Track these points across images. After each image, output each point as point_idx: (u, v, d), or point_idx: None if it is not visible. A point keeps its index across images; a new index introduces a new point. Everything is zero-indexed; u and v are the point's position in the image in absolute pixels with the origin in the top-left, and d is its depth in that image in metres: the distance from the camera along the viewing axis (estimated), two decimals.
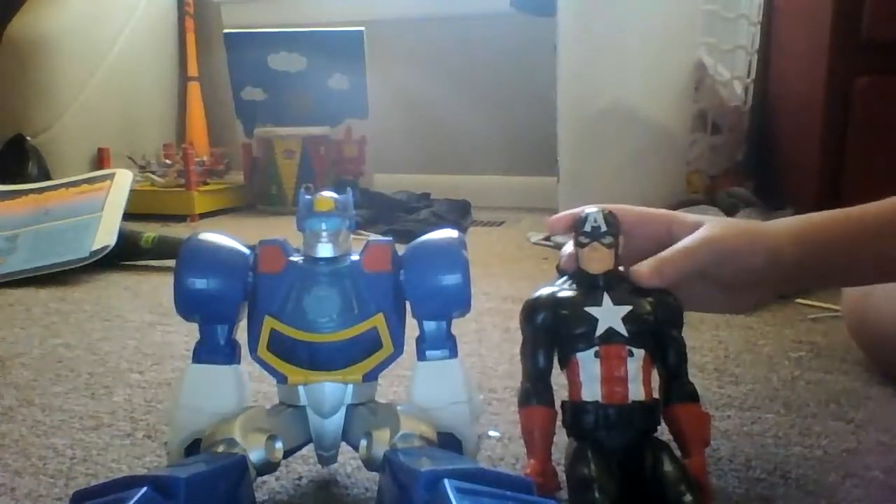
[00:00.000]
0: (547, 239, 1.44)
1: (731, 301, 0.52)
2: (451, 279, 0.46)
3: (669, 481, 0.41)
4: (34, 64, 1.88)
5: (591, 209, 0.48)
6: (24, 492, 0.49)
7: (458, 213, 1.74)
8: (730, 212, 1.24)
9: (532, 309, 0.47)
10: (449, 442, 0.44)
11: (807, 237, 0.50)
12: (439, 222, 1.54)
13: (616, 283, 0.47)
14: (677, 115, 1.44)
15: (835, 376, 0.70)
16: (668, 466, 0.42)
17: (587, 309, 0.45)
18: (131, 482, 0.36)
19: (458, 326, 0.47)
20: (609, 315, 0.45)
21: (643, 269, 0.47)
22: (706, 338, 0.82)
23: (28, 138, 1.85)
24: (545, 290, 0.47)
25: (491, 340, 0.82)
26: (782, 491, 0.48)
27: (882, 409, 0.62)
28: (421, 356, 0.46)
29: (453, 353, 0.46)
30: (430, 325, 0.46)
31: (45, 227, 1.28)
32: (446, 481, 0.35)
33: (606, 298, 0.46)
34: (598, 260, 0.46)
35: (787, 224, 0.51)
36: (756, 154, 1.59)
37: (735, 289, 0.51)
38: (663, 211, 0.53)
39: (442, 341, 0.46)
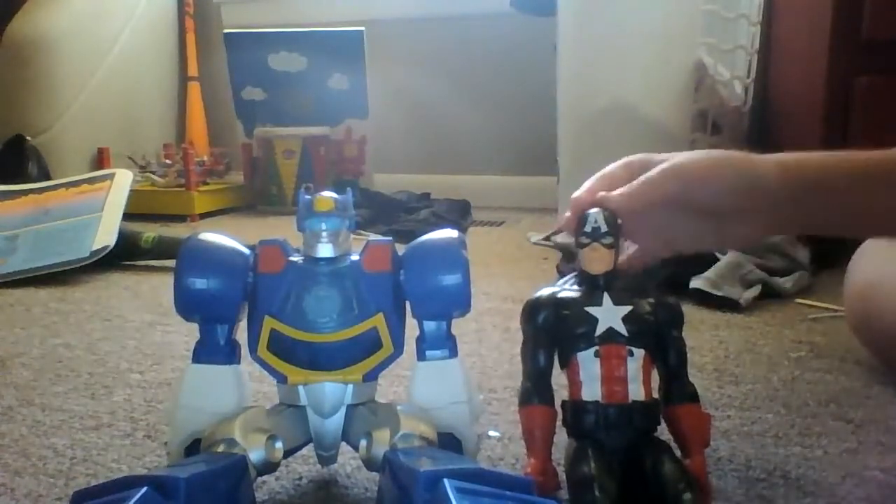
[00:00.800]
0: (547, 239, 1.44)
1: (719, 233, 0.51)
2: (451, 279, 0.46)
3: (669, 481, 0.41)
4: (34, 64, 1.88)
5: (591, 209, 0.48)
6: (24, 492, 0.49)
7: (458, 213, 1.74)
8: None
9: (533, 309, 0.47)
10: (449, 442, 0.44)
11: (797, 167, 0.49)
12: (439, 222, 1.54)
13: (616, 283, 0.47)
14: (677, 115, 1.44)
15: (835, 376, 0.70)
16: (667, 466, 0.42)
17: (587, 309, 0.45)
18: (131, 482, 0.36)
19: (458, 326, 0.47)
20: (609, 315, 0.45)
21: (612, 195, 0.48)
22: (706, 338, 0.82)
23: (28, 138, 1.85)
24: (546, 290, 0.48)
25: (491, 340, 0.82)
26: (782, 491, 0.48)
27: (882, 409, 0.62)
28: (421, 356, 0.46)
29: (453, 353, 0.46)
30: (430, 325, 0.47)
31: (45, 227, 1.28)
32: (446, 481, 0.35)
33: (607, 298, 0.46)
34: (599, 260, 0.47)
35: (776, 155, 0.50)
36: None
37: (717, 216, 0.50)
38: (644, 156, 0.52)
39: (442, 341, 0.46)
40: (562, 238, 1.32)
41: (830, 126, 1.26)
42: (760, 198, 0.49)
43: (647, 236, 0.52)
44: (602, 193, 0.49)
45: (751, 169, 0.49)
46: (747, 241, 0.53)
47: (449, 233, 0.48)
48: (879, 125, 1.21)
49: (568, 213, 0.51)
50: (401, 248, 0.47)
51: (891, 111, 1.20)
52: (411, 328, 0.47)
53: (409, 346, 0.47)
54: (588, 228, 0.47)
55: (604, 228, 0.46)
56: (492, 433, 0.57)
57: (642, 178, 0.49)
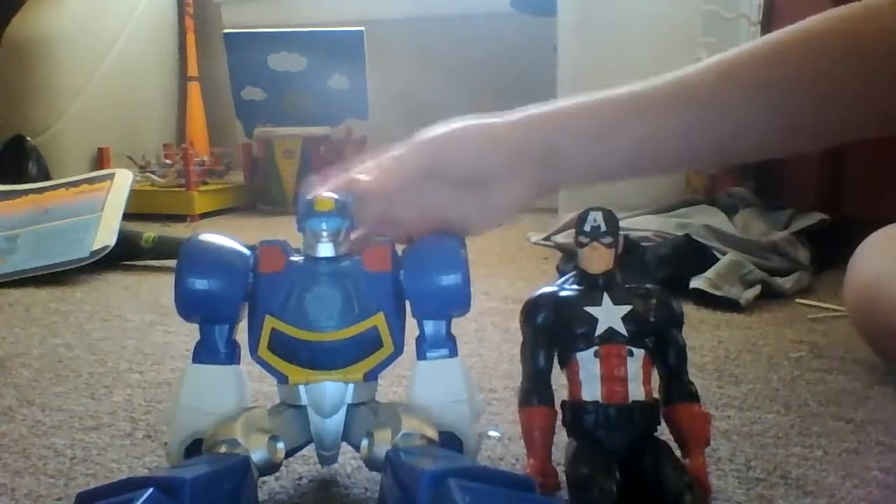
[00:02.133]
0: (547, 239, 1.44)
1: (483, 202, 0.48)
2: (450, 279, 0.46)
3: (669, 481, 0.41)
4: (34, 64, 1.88)
5: (591, 208, 0.47)
6: (24, 492, 0.49)
7: None
8: (730, 212, 1.24)
9: (532, 308, 0.47)
10: (449, 441, 0.44)
11: (540, 121, 0.48)
12: None
13: (616, 283, 0.47)
14: None
15: (835, 376, 0.70)
16: (667, 466, 0.42)
17: (587, 309, 0.45)
18: (136, 483, 0.36)
19: (458, 326, 0.47)
20: (609, 315, 0.45)
21: (361, 178, 0.46)
22: (706, 338, 0.82)
23: (28, 138, 1.85)
24: (545, 290, 0.48)
25: (491, 340, 0.82)
26: (782, 491, 0.48)
27: (882, 409, 0.62)
28: (421, 356, 0.46)
29: (453, 352, 0.46)
30: (429, 325, 0.47)
31: (45, 227, 1.28)
32: (450, 480, 0.35)
33: (606, 298, 0.46)
34: (598, 259, 0.46)
35: (519, 111, 0.49)
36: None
37: (481, 185, 0.48)
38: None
39: (442, 341, 0.46)
40: (562, 238, 1.32)
41: None
42: (508, 158, 0.47)
43: (407, 213, 0.49)
44: (352, 177, 0.47)
45: (490, 131, 0.48)
46: (514, 208, 0.50)
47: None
48: None
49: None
50: (401, 248, 0.47)
51: None
52: (411, 328, 0.47)
53: (409, 345, 0.47)
54: (587, 227, 0.46)
55: (603, 227, 0.46)
56: (492, 433, 0.57)
57: (390, 155, 0.48)
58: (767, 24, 1.52)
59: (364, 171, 0.48)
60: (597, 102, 0.49)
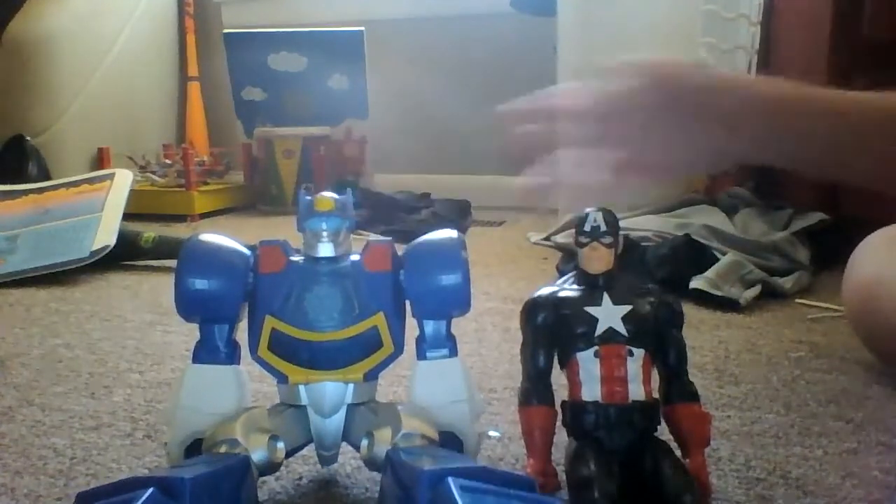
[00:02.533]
0: (547, 239, 1.44)
1: (694, 140, 0.48)
2: (450, 279, 0.46)
3: (669, 482, 0.41)
4: (34, 64, 1.88)
5: (591, 208, 0.47)
6: (24, 492, 0.49)
7: (458, 213, 1.74)
8: (730, 212, 1.24)
9: (532, 308, 0.47)
10: (449, 441, 0.44)
11: (787, 90, 0.48)
12: (439, 222, 1.54)
13: (616, 283, 0.47)
14: None
15: (835, 376, 0.70)
16: (667, 466, 0.42)
17: (587, 309, 0.45)
18: (136, 483, 0.36)
19: (458, 326, 0.47)
20: (609, 315, 0.45)
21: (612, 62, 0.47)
22: (706, 338, 0.82)
23: (28, 138, 1.85)
24: (545, 290, 0.48)
25: (491, 340, 0.82)
26: (782, 491, 0.48)
27: (882, 409, 0.62)
28: (421, 356, 0.46)
29: (453, 352, 0.47)
30: (429, 325, 0.47)
31: (45, 227, 1.28)
32: (450, 479, 0.35)
33: (606, 298, 0.45)
34: (598, 259, 0.46)
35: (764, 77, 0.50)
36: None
37: (696, 121, 0.48)
38: None
39: (442, 341, 0.47)
40: (562, 238, 1.32)
41: None
42: (744, 107, 0.47)
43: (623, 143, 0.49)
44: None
45: (730, 78, 0.49)
46: (736, 149, 0.50)
47: (449, 233, 0.48)
48: None
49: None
50: (401, 248, 0.47)
51: None
52: (411, 328, 0.47)
53: (409, 345, 0.47)
54: (587, 227, 0.46)
55: (603, 227, 0.46)
56: (492, 433, 0.57)
57: (629, 59, 0.48)
58: (767, 24, 1.52)
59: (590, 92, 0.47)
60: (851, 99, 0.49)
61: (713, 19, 1.43)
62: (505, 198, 2.03)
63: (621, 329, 0.45)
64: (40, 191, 1.40)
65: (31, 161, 1.82)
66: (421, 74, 2.10)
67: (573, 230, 0.48)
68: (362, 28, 1.95)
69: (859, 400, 0.64)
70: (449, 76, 2.08)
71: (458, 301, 0.46)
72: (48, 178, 1.76)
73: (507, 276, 1.15)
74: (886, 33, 1.20)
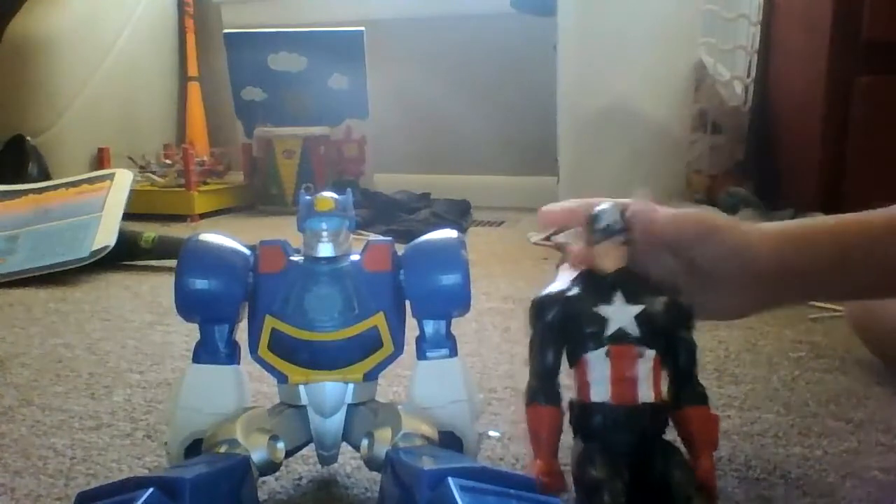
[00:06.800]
0: (547, 239, 1.44)
1: (709, 298, 0.50)
2: (450, 279, 0.46)
3: (678, 484, 0.41)
4: (34, 64, 1.88)
5: (604, 205, 0.46)
6: (24, 492, 0.49)
7: (458, 213, 1.74)
8: (730, 212, 1.24)
9: (541, 306, 0.46)
10: (449, 441, 0.44)
11: (789, 236, 0.49)
12: (439, 222, 1.54)
13: (628, 282, 0.46)
14: (677, 115, 1.44)
15: (835, 376, 0.70)
16: (676, 471, 0.41)
17: (598, 308, 0.44)
18: (136, 483, 0.36)
19: (458, 326, 0.47)
20: (620, 314, 0.44)
21: (639, 207, 0.47)
22: (706, 338, 0.82)
23: (28, 138, 1.85)
24: (555, 288, 0.47)
25: (491, 340, 0.82)
26: (782, 491, 0.48)
27: (882, 409, 0.62)
28: (421, 356, 0.46)
29: (453, 352, 0.47)
30: (429, 325, 0.47)
31: (45, 227, 1.28)
32: (450, 479, 0.35)
33: (618, 297, 0.44)
34: (612, 258, 0.45)
35: (767, 225, 0.50)
36: (756, 154, 1.59)
37: (706, 279, 0.49)
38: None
39: (442, 341, 0.46)
40: (562, 238, 1.32)
41: (830, 125, 1.26)
42: (751, 272, 0.48)
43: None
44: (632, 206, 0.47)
45: (743, 242, 0.48)
46: (737, 312, 0.54)
47: (449, 233, 0.48)
48: (879, 125, 1.21)
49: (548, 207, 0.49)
50: (401, 248, 0.47)
51: (891, 111, 1.20)
52: (411, 328, 0.47)
53: (409, 345, 0.47)
54: (602, 225, 0.45)
55: (619, 225, 0.45)
56: (492, 433, 0.57)
57: (668, 211, 0.48)
58: (767, 24, 1.53)
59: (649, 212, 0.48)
60: (842, 224, 0.49)
61: (713, 19, 1.44)
62: (505, 198, 2.04)
63: (634, 329, 0.43)
64: (40, 191, 1.40)
65: (31, 161, 1.82)
66: (421, 74, 2.10)
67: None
68: (362, 28, 1.96)
69: (859, 400, 0.64)
70: (449, 76, 2.08)
71: (458, 301, 0.46)
72: (48, 178, 1.76)
73: (507, 276, 1.15)
74: (886, 33, 1.20)
